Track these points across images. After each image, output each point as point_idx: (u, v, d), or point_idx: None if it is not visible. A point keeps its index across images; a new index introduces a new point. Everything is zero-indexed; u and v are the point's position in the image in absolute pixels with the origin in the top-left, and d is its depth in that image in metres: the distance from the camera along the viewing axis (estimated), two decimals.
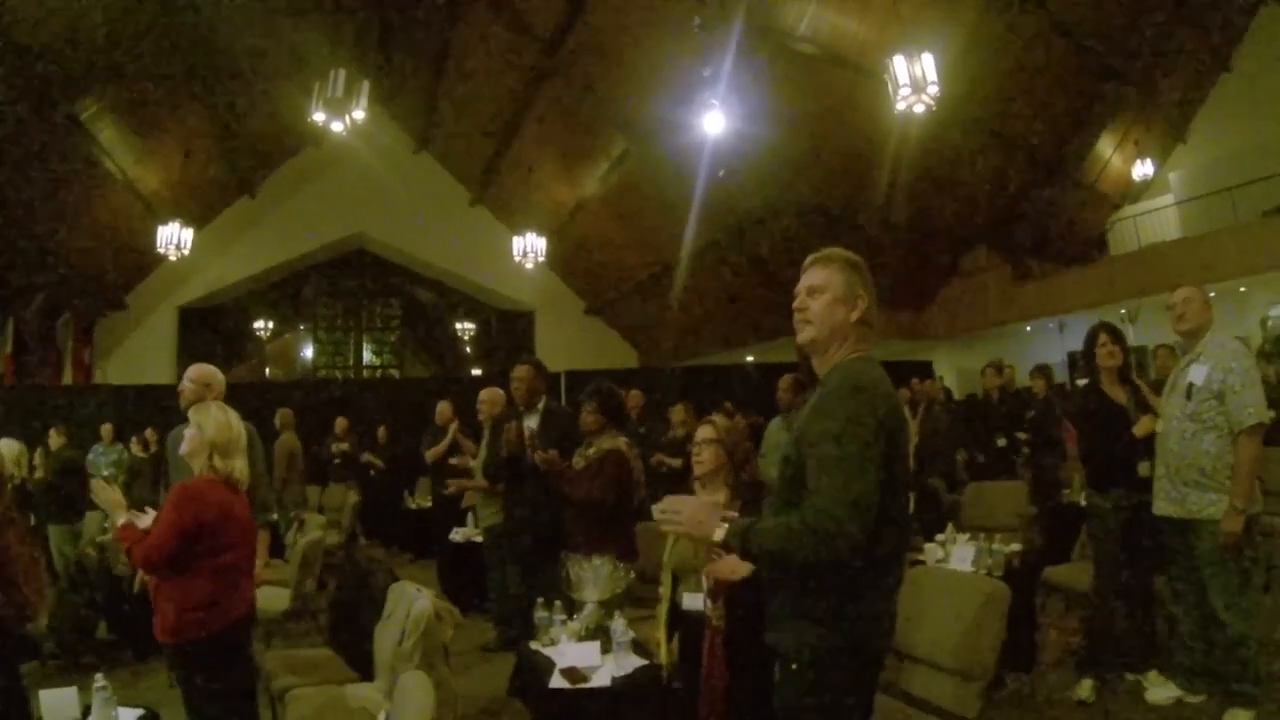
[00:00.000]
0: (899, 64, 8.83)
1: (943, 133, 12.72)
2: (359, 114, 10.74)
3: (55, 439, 8.30)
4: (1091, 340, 4.63)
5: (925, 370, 13.73)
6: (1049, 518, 6.78)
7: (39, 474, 8.06)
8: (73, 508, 7.11)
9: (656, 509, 2.28)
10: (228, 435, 3.32)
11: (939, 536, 5.06)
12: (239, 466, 3.34)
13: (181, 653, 3.17)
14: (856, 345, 2.23)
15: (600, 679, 3.23)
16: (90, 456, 10.20)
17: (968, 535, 5.01)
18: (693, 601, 3.07)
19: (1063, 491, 6.97)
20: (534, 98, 14.17)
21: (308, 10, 12.85)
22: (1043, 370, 8.14)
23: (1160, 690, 4.20)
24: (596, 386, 4.70)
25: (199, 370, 4.49)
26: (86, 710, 3.07)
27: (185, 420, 3.49)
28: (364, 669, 4.05)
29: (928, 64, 8.81)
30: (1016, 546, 5.01)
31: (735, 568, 2.38)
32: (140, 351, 16.91)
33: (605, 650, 3.38)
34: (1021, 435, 7.93)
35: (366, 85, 10.78)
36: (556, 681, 3.22)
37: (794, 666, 2.11)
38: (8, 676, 3.27)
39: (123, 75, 11.59)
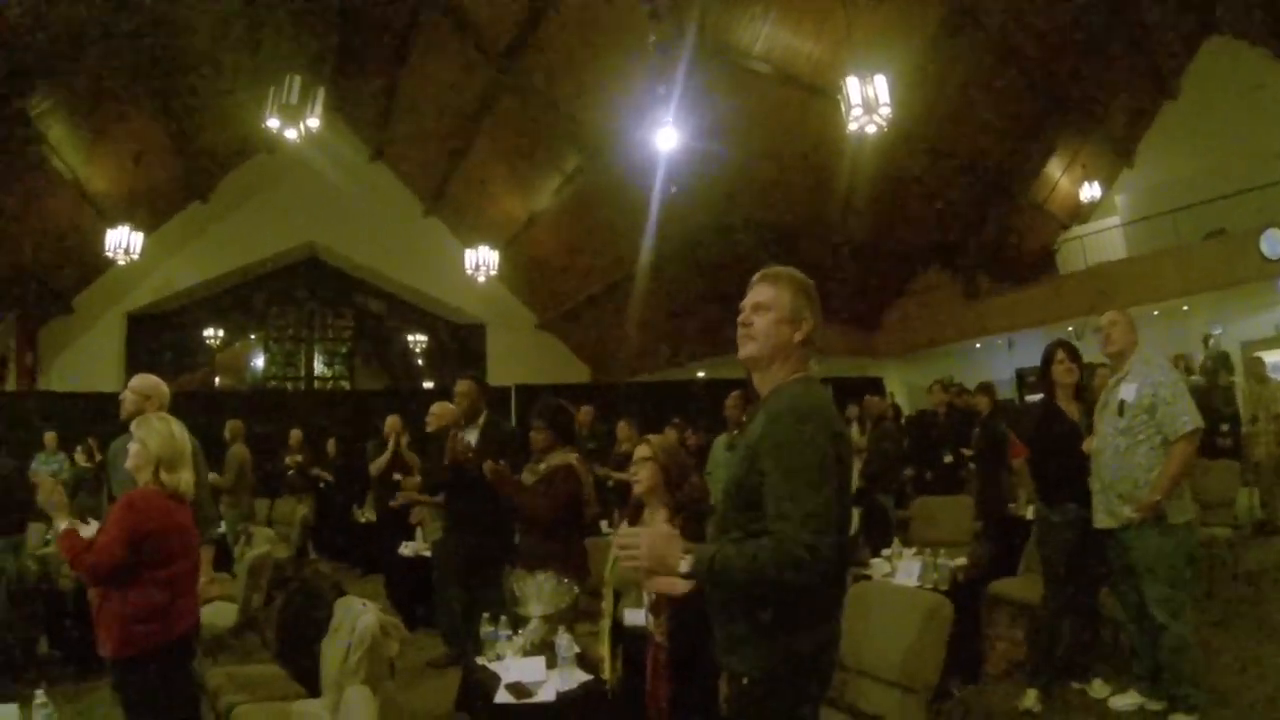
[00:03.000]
0: (852, 85, 8.97)
1: (895, 153, 12.93)
2: (313, 121, 10.68)
3: None
4: (1049, 357, 4.71)
5: (876, 387, 13.94)
6: (995, 531, 6.91)
7: None
8: (9, 520, 6.91)
9: (615, 546, 2.28)
10: (173, 448, 3.30)
11: (885, 552, 5.14)
12: (185, 479, 3.32)
13: (124, 668, 3.12)
14: (798, 365, 2.25)
15: (545, 694, 3.24)
16: (33, 465, 9.97)
17: (914, 550, 5.10)
18: (634, 617, 3.09)
19: (1008, 505, 7.12)
20: (489, 111, 14.12)
21: (264, 16, 12.74)
22: (986, 388, 8.30)
23: (1122, 698, 4.31)
24: (544, 404, 4.73)
25: (141, 381, 4.44)
26: None
27: (128, 430, 3.45)
28: (312, 685, 4.00)
29: (880, 85, 8.96)
30: (962, 560, 5.10)
31: (675, 583, 2.37)
32: (86, 357, 16.48)
33: (551, 665, 3.40)
34: (967, 451, 8.08)
35: (321, 92, 10.72)
36: (502, 697, 3.23)
37: (745, 682, 2.13)
38: None
39: (75, 72, 11.35)
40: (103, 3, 10.48)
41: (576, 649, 3.42)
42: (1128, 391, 4.15)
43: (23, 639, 5.81)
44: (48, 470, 9.93)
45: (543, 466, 4.63)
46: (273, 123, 10.59)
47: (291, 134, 10.69)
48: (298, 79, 10.44)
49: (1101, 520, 4.21)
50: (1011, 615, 5.25)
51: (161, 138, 14.21)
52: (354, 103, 16.30)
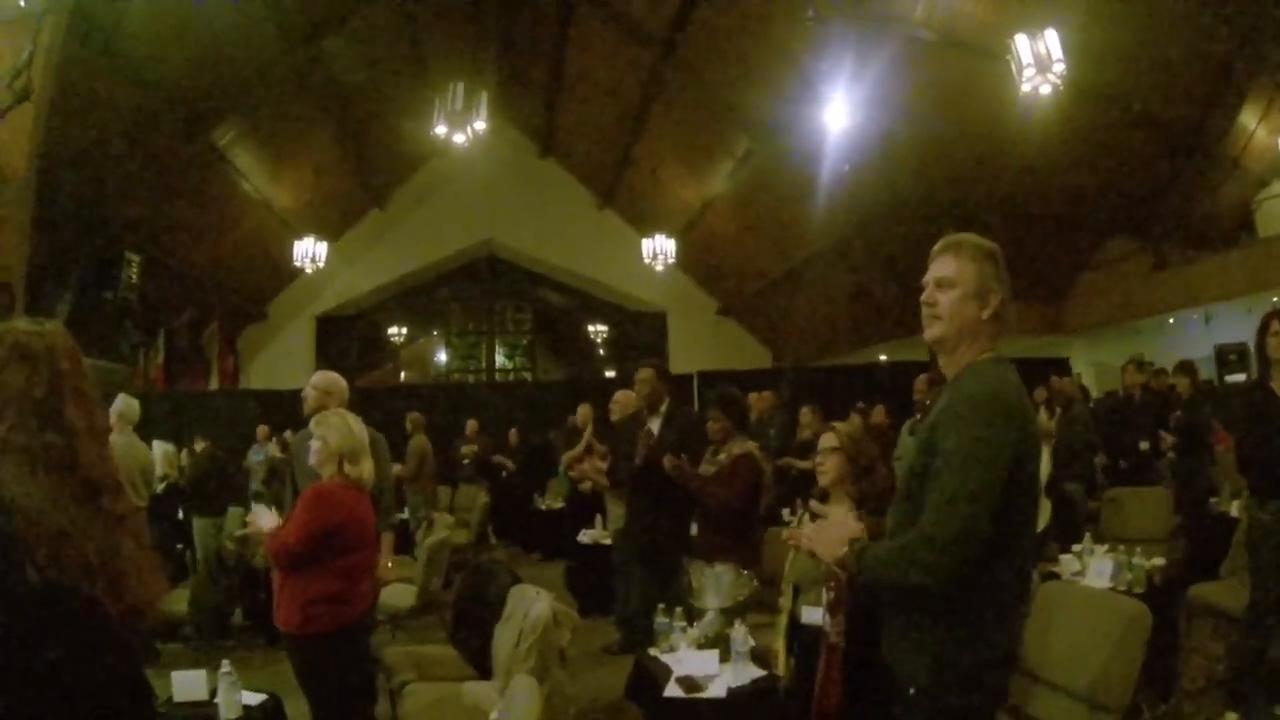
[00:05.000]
0: (1022, 43, 8.45)
1: (1072, 113, 12.05)
2: (480, 124, 11.01)
3: (199, 443, 9.04)
4: (1262, 329, 4.11)
5: (1062, 367, 13.15)
6: (1195, 529, 6.37)
7: (188, 473, 8.67)
8: (215, 503, 7.58)
9: (791, 531, 2.30)
10: (352, 442, 3.48)
11: (1076, 547, 4.81)
12: (366, 469, 3.50)
13: (301, 645, 3.35)
14: (987, 344, 2.07)
15: (716, 689, 3.20)
16: (250, 454, 10.87)
17: (1106, 547, 4.74)
18: (812, 615, 2.98)
19: (1211, 500, 6.55)
20: (653, 100, 14.17)
21: (425, 31, 13.29)
22: (1187, 368, 7.66)
23: None
24: (719, 394, 4.75)
25: (321, 378, 4.69)
26: (215, 692, 3.29)
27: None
28: (484, 667, 4.10)
29: (1052, 41, 8.39)
30: (1159, 560, 4.73)
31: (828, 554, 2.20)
32: (281, 359, 17.75)
33: (724, 659, 3.36)
34: (1166, 437, 7.48)
35: (485, 96, 11.03)
36: (671, 689, 3.22)
37: (911, 691, 2.01)
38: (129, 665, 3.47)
39: (255, 103, 12.25)
40: (277, 39, 11.18)
41: (752, 643, 3.36)
42: None
43: (218, 610, 6.33)
44: (257, 460, 10.80)
45: (722, 456, 4.64)
46: (441, 129, 10.98)
47: (459, 139, 11.07)
48: (461, 85, 10.78)
49: None
50: (1213, 625, 4.80)
51: (338, 155, 15.17)
52: (518, 103, 16.72)
